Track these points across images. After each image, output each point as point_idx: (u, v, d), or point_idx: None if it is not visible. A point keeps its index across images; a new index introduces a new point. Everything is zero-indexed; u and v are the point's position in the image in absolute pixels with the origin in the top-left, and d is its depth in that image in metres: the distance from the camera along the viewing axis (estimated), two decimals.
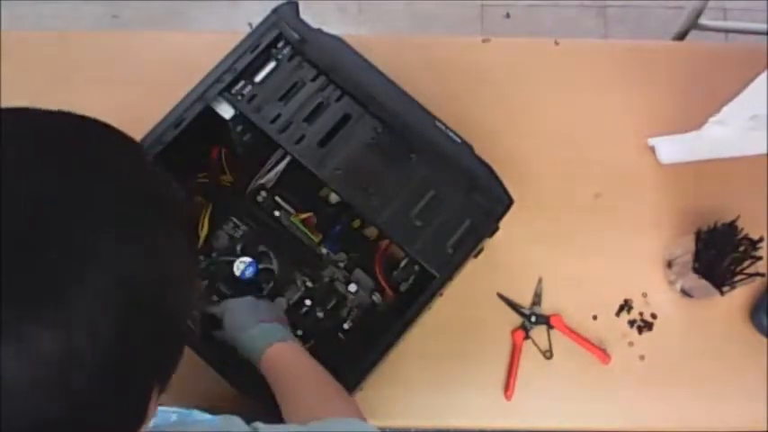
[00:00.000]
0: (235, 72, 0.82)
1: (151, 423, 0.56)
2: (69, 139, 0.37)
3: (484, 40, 1.06)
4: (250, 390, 0.77)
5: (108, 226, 0.34)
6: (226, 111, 0.82)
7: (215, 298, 0.86)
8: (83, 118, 0.39)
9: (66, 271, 0.31)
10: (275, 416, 0.70)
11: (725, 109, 0.86)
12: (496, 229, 0.81)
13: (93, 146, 0.37)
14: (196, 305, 0.41)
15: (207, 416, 0.66)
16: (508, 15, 1.86)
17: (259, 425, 0.57)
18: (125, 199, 0.36)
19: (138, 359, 0.34)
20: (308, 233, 0.89)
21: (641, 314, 0.93)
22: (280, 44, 0.84)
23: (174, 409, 0.65)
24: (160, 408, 0.62)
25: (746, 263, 0.87)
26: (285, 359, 0.72)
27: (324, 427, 0.61)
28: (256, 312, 0.78)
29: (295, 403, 0.67)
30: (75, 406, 0.31)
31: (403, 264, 0.87)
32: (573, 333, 0.92)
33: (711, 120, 0.89)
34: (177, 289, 0.37)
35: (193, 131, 0.81)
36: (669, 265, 0.94)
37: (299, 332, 0.85)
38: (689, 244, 0.88)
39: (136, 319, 0.33)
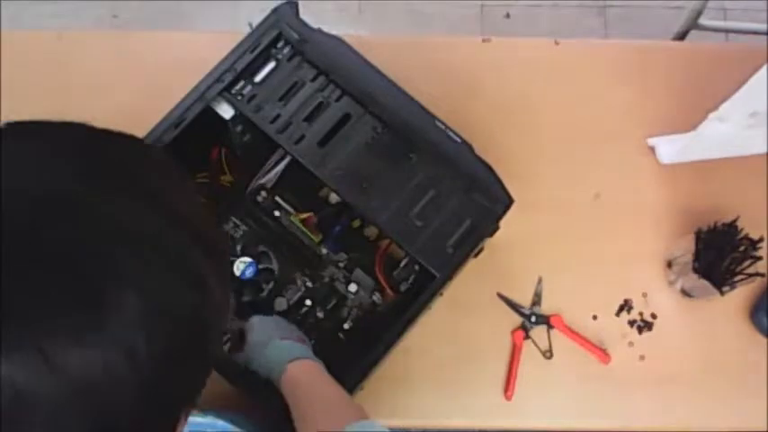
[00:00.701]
0: (235, 72, 0.82)
1: None
2: (127, 163, 0.37)
3: (484, 40, 1.06)
4: (250, 390, 0.77)
5: (151, 252, 0.33)
6: (226, 111, 0.82)
7: None
8: (136, 140, 0.39)
9: (105, 293, 0.31)
10: (272, 417, 0.70)
11: (724, 105, 0.86)
12: (496, 228, 0.81)
13: (150, 173, 0.37)
14: (224, 327, 0.41)
15: (215, 423, 0.66)
16: (508, 15, 1.86)
17: None
18: (172, 227, 0.35)
19: (174, 384, 0.34)
20: (308, 233, 0.89)
21: (641, 314, 0.93)
22: (280, 44, 0.84)
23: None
24: None
25: (746, 263, 0.87)
26: (302, 380, 0.71)
27: None
28: (276, 331, 0.77)
29: (309, 426, 0.67)
30: (107, 429, 0.31)
31: (403, 264, 0.87)
32: (573, 333, 0.92)
33: (711, 116, 0.89)
34: (214, 316, 0.37)
35: (193, 131, 0.81)
36: (669, 265, 0.94)
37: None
38: (689, 244, 0.88)
39: (174, 345, 0.33)
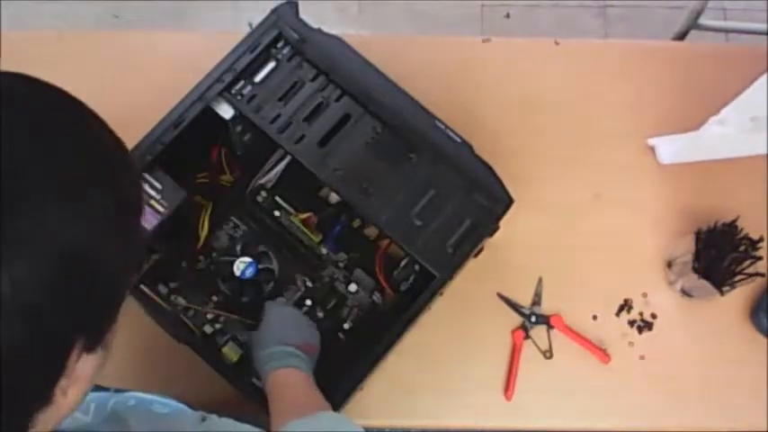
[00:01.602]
0: (235, 72, 0.82)
1: (111, 401, 0.57)
2: (23, 100, 0.38)
3: (484, 40, 1.06)
4: (250, 390, 0.77)
5: (40, 180, 0.35)
6: (226, 111, 0.82)
7: (214, 298, 0.86)
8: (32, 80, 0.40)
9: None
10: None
11: (725, 110, 0.86)
12: (496, 228, 0.81)
13: (39, 106, 0.39)
14: (132, 270, 0.42)
15: (168, 402, 0.66)
16: (508, 15, 1.86)
17: (211, 416, 0.58)
18: (63, 157, 0.37)
19: (59, 313, 0.35)
20: (308, 233, 0.89)
21: (641, 314, 0.93)
22: (279, 44, 0.84)
23: (139, 395, 0.65)
24: (125, 392, 0.63)
25: (746, 263, 0.87)
26: (284, 384, 0.72)
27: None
28: (286, 332, 0.77)
29: (275, 427, 0.67)
30: None
31: (403, 264, 0.87)
32: (573, 333, 0.92)
33: (712, 119, 0.89)
34: (108, 252, 0.38)
35: (193, 131, 0.81)
36: (669, 265, 0.94)
37: None
38: (689, 244, 0.88)
39: (58, 273, 0.35)
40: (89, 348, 0.39)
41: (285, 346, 0.74)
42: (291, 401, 0.70)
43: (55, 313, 0.35)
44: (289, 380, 0.72)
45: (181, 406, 0.66)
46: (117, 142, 0.43)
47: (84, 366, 0.39)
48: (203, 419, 0.59)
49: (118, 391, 0.64)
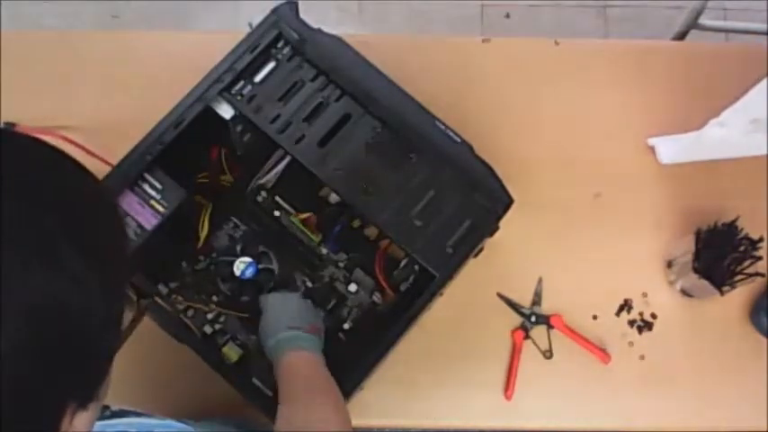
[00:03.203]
0: (235, 72, 0.82)
1: None
2: (20, 164, 0.36)
3: (484, 40, 1.06)
4: (250, 390, 0.77)
5: (23, 249, 0.33)
6: (226, 111, 0.82)
7: (214, 298, 0.86)
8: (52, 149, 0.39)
9: None
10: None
11: (725, 112, 0.86)
12: (496, 228, 0.81)
13: (12, 158, 0.37)
14: (117, 331, 0.40)
15: (170, 424, 0.65)
16: (508, 15, 1.86)
17: None
18: (32, 209, 0.35)
19: (45, 379, 0.34)
20: (308, 233, 0.89)
21: (641, 314, 0.93)
22: (279, 44, 0.84)
23: (138, 421, 0.64)
24: (126, 417, 0.63)
25: (746, 263, 0.87)
26: (296, 368, 0.72)
27: None
28: (291, 316, 0.78)
29: (287, 412, 0.67)
30: None
31: (403, 264, 0.87)
32: (573, 333, 0.92)
33: (712, 122, 0.89)
34: (91, 317, 0.36)
35: (193, 131, 0.81)
36: (669, 265, 0.94)
37: None
38: (689, 244, 0.88)
39: (41, 341, 0.33)
40: (81, 407, 0.38)
41: (292, 330, 0.75)
42: (301, 385, 0.70)
43: (40, 382, 0.33)
44: (299, 363, 0.73)
45: (185, 428, 0.65)
46: (96, 190, 0.41)
47: (78, 423, 0.37)
48: None
49: (116, 415, 0.63)
